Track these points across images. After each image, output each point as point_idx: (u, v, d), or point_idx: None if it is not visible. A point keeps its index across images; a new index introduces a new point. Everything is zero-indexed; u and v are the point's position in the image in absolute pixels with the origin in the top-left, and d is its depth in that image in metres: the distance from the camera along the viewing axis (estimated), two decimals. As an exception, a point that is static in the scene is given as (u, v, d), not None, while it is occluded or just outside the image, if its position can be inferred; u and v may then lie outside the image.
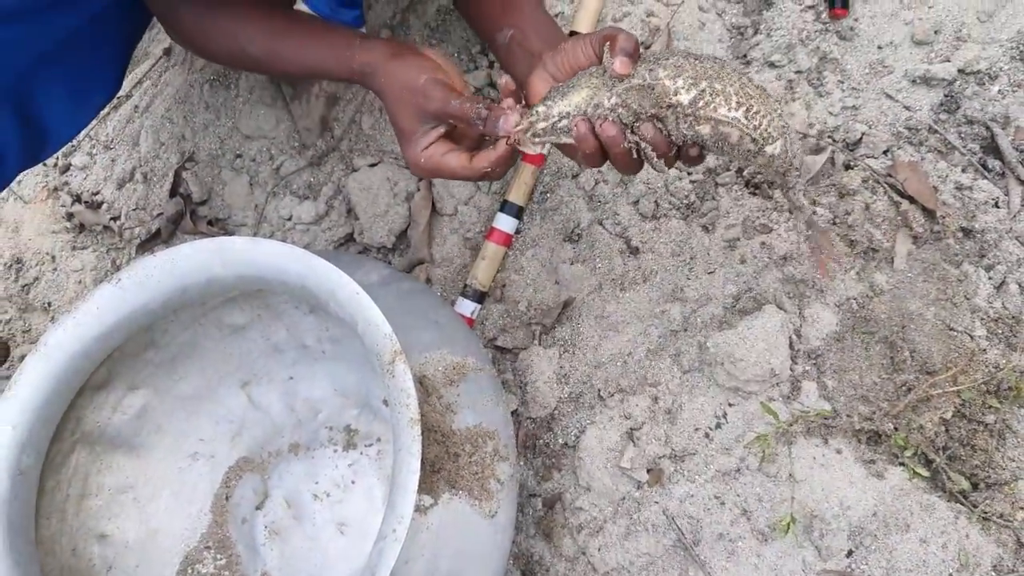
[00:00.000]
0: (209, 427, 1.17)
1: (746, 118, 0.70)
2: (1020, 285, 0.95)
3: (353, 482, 1.13)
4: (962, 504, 0.89)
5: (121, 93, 1.33)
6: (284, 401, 1.17)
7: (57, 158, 1.39)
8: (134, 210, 1.31)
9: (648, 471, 0.99)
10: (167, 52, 1.35)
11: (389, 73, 0.83)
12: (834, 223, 1.00)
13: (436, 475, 0.87)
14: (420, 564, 0.83)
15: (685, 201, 1.05)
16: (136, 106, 1.35)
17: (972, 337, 0.95)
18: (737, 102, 0.70)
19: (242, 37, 0.95)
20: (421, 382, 0.90)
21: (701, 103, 0.69)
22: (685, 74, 0.70)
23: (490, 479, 0.89)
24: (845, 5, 1.06)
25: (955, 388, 0.93)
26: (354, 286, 0.86)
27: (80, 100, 1.05)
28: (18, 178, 1.29)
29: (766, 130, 0.71)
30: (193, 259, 0.95)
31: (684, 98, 0.69)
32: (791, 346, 0.97)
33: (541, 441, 1.07)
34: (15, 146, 0.99)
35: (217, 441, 1.17)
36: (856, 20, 1.07)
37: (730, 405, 0.98)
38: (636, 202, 1.07)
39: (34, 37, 0.90)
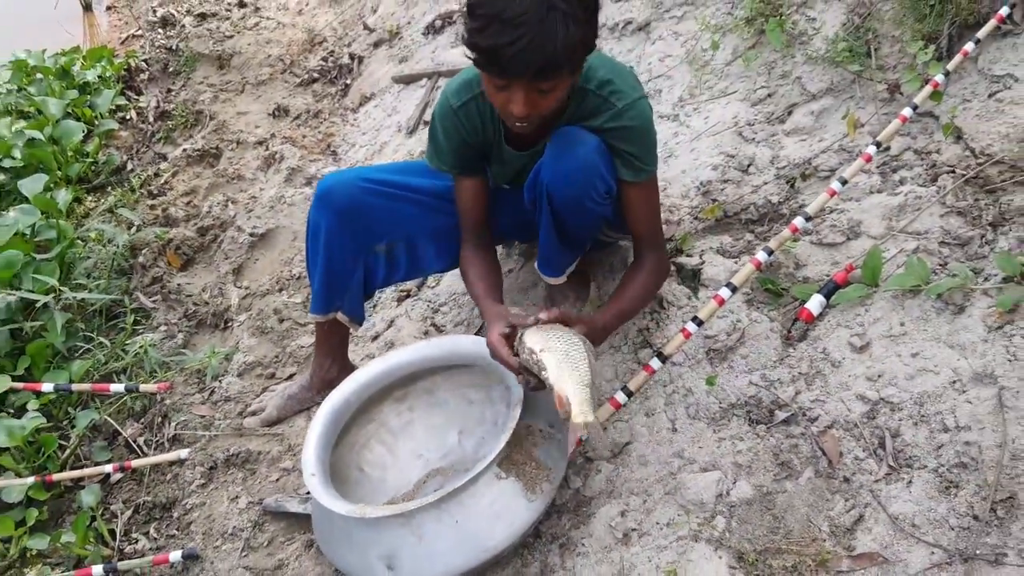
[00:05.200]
0: (434, 445, 2.15)
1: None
2: (860, 516, 1.64)
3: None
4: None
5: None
6: (474, 447, 2.13)
7: (435, 304, 2.57)
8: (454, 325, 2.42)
9: (623, 534, 1.78)
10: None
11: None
12: (774, 447, 1.78)
13: (512, 464, 1.76)
14: (487, 498, 1.71)
15: (711, 413, 1.89)
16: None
17: (820, 530, 1.65)
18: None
19: (467, 274, 2.02)
20: (529, 425, 1.82)
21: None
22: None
23: (538, 484, 1.76)
24: (790, 331, 1.92)
25: (797, 550, 1.63)
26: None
27: (439, 259, 2.19)
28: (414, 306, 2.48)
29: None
30: (464, 342, 2.01)
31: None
32: (719, 494, 1.74)
33: (583, 509, 1.90)
34: (404, 263, 2.15)
35: (432, 453, 2.14)
36: (843, 359, 1.88)
37: (677, 515, 1.75)
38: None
39: (431, 219, 2.08)
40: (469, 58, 1.62)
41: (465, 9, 1.60)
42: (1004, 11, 2.19)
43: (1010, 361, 1.72)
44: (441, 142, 1.94)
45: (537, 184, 1.88)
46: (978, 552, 1.52)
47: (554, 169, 1.81)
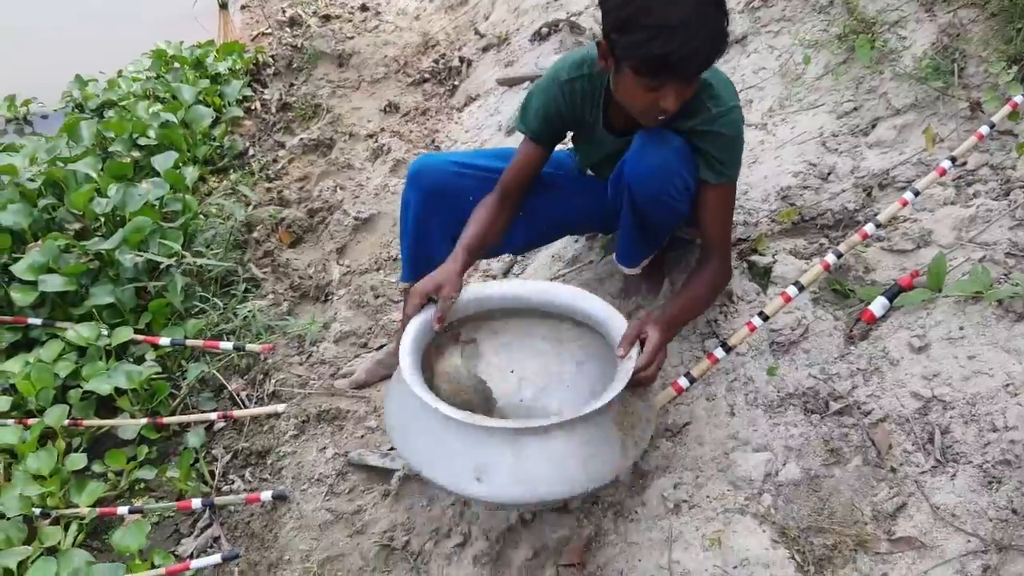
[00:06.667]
0: (494, 383, 2.20)
1: None
2: (903, 504, 1.72)
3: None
4: None
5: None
6: (533, 395, 2.18)
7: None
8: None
9: (674, 504, 1.89)
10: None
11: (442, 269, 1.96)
12: (826, 435, 1.87)
13: (618, 414, 1.83)
14: (587, 437, 1.74)
15: (769, 400, 1.99)
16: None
17: (863, 514, 1.74)
18: None
19: (475, 212, 2.11)
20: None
21: None
22: None
23: (632, 429, 1.82)
24: (853, 330, 2.00)
25: (839, 531, 1.72)
26: (612, 311, 1.95)
27: (518, 237, 2.31)
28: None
29: None
30: (555, 288, 2.12)
31: None
32: (768, 473, 1.84)
33: (639, 480, 2.02)
34: None
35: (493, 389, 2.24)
36: (902, 358, 1.95)
37: (726, 490, 1.86)
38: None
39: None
40: (632, 68, 1.67)
41: (617, 24, 1.65)
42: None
43: (1063, 367, 1.78)
44: (535, 106, 2.06)
45: (621, 179, 2.01)
46: (1013, 543, 1.59)
47: (636, 165, 1.94)
